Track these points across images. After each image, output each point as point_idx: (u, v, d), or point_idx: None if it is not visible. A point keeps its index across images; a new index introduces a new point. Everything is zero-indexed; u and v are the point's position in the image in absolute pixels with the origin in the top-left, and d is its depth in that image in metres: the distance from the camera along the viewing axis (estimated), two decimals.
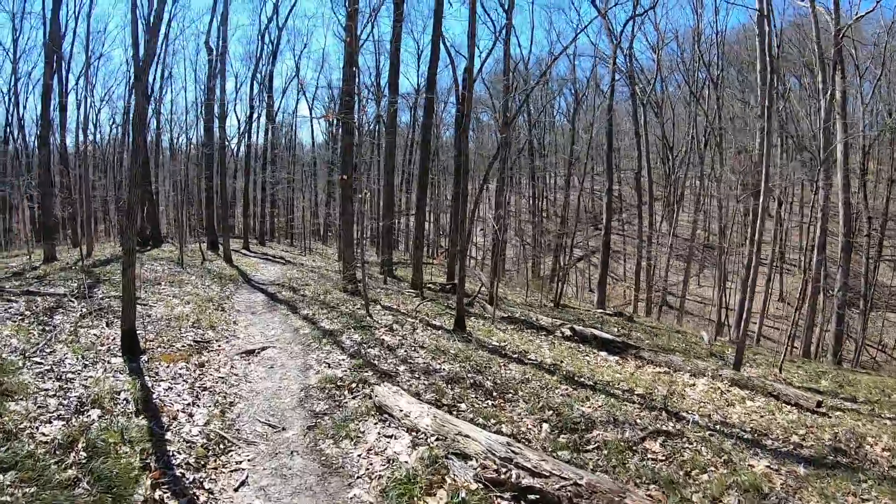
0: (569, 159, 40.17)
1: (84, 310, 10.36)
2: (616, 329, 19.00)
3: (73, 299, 11.14)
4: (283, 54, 45.61)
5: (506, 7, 19.67)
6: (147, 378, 7.13)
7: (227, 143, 45.28)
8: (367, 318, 12.24)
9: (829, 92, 19.57)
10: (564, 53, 37.80)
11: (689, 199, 44.10)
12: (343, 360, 8.93)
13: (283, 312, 12.80)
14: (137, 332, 8.50)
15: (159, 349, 8.46)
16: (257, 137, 41.67)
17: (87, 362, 7.33)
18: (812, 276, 22.03)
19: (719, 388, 11.04)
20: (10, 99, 36.13)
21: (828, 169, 21.51)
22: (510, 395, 8.23)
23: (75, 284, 13.50)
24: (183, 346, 8.82)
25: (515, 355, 11.27)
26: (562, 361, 11.51)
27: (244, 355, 9.16)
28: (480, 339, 12.13)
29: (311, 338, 10.23)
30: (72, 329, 8.80)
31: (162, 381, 7.21)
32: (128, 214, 8.73)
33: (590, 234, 48.03)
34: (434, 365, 9.29)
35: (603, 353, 13.45)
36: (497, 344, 12.05)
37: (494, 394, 8.17)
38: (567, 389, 9.09)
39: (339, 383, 7.68)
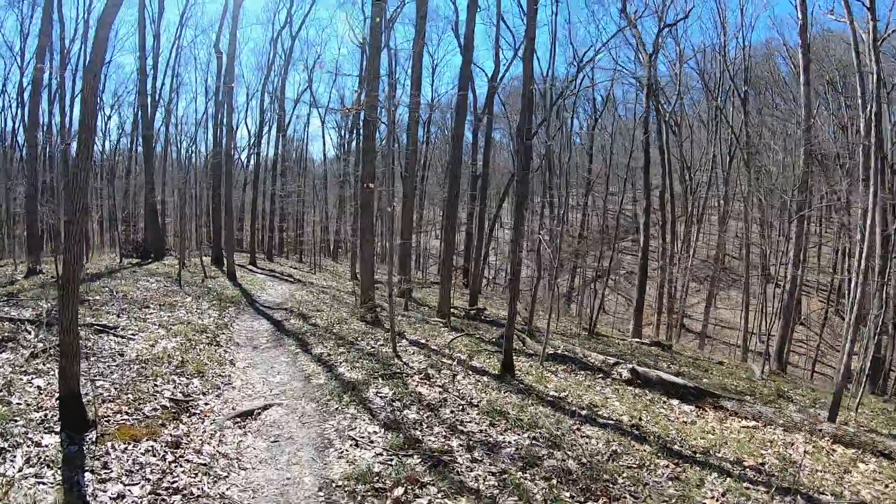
0: (587, 178, 37.82)
1: (40, 345, 7.78)
2: (665, 364, 16.40)
3: (29, 329, 8.55)
4: (296, 66, 43.20)
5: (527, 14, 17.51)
6: (87, 475, 4.52)
7: (235, 151, 42.94)
8: (395, 359, 9.61)
9: (868, 108, 17.08)
10: (582, 71, 35.27)
11: (706, 220, 41.50)
12: (374, 432, 6.29)
13: (291, 349, 10.18)
14: (97, 384, 5.94)
15: (119, 416, 5.82)
16: (267, 150, 39.33)
17: (3, 444, 4.74)
18: (855, 300, 19.20)
19: (822, 447, 8.62)
20: (17, 102, 33.87)
21: (867, 188, 19.06)
22: (609, 484, 5.63)
23: (48, 305, 11.00)
24: (154, 410, 6.18)
25: (584, 411, 8.65)
26: (640, 419, 8.90)
27: (240, 419, 6.52)
28: (534, 388, 9.51)
29: (329, 392, 7.59)
30: (7, 379, 6.21)
31: (110, 479, 4.59)
32: (66, 229, 6.16)
33: (603, 253, 45.23)
34: (495, 435, 6.70)
35: (675, 402, 10.86)
36: (556, 394, 9.44)
37: (590, 485, 5.55)
38: (670, 467, 6.55)
39: (374, 482, 5.03)
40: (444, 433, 6.52)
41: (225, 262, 20.61)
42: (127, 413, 5.91)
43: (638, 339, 21.53)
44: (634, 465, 6.42)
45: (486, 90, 25.18)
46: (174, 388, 6.98)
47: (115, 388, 6.51)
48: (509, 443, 6.54)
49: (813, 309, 37.28)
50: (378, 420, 6.63)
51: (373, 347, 10.49)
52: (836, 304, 36.42)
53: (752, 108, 41.46)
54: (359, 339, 11.12)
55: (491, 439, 6.58)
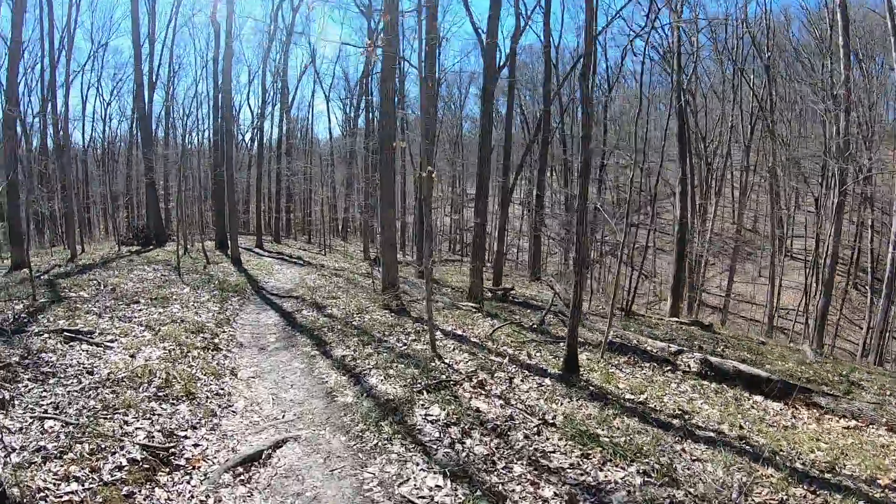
0: (603, 149, 35.58)
1: None
2: (710, 346, 14.44)
3: None
4: (298, 43, 40.68)
5: None
6: None
7: (237, 130, 40.74)
8: (436, 360, 7.59)
9: None
10: (595, 41, 32.51)
11: (722, 193, 39.22)
12: (436, 485, 4.29)
13: (306, 350, 8.15)
14: (43, 430, 3.96)
15: (61, 489, 3.80)
16: (271, 129, 37.06)
17: None
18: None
19: None
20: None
21: None
22: None
23: (20, 306, 9.07)
24: (119, 468, 4.17)
25: (676, 420, 6.70)
26: (740, 427, 6.93)
27: (242, 469, 4.52)
28: (607, 391, 7.54)
29: (361, 416, 5.57)
30: None
31: None
32: None
33: (616, 227, 42.93)
34: (593, 472, 4.79)
35: (758, 398, 8.90)
36: (633, 397, 7.48)
37: None
38: (808, 497, 4.79)
39: None
40: (528, 475, 4.55)
41: (229, 246, 18.55)
42: (76, 480, 3.89)
43: (676, 319, 19.47)
44: (774, 501, 4.58)
45: (502, 58, 23.04)
46: (152, 424, 4.96)
47: (66, 436, 4.48)
48: (615, 483, 4.62)
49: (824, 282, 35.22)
50: (435, 461, 4.62)
51: (404, 344, 8.47)
52: (853, 277, 34.21)
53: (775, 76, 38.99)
54: (386, 333, 9.08)
55: (590, 479, 4.64)
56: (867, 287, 27.11)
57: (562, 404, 6.68)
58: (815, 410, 8.49)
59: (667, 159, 36.26)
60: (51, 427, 4.61)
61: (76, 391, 5.51)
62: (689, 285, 30.27)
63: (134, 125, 33.91)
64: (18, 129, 32.59)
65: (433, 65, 15.57)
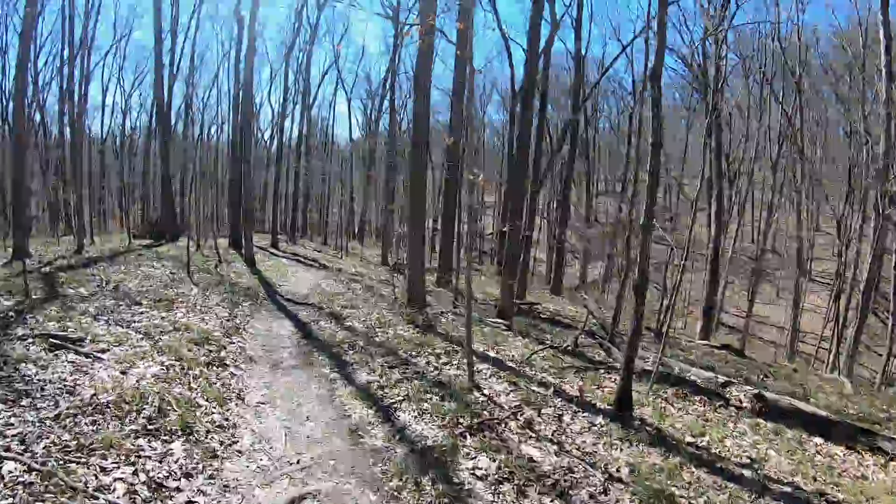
0: (626, 161, 34.39)
1: None
2: (754, 376, 13.32)
3: None
4: (322, 43, 39.91)
5: None
6: None
7: (257, 128, 39.96)
8: (474, 391, 6.53)
9: None
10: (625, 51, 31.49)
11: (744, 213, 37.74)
12: None
13: (325, 372, 7.09)
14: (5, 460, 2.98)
15: None
16: (291, 128, 36.19)
17: None
18: None
19: None
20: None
21: None
22: None
23: (10, 302, 8.12)
24: None
25: (746, 471, 5.80)
26: (814, 479, 6.01)
27: None
28: (664, 433, 6.51)
29: (395, 468, 4.51)
30: None
31: None
32: None
33: (632, 242, 41.54)
34: None
35: (818, 440, 7.86)
36: (694, 440, 6.46)
37: None
38: None
39: None
40: None
41: (243, 245, 17.57)
42: None
43: (705, 342, 18.26)
44: None
45: (525, 66, 21.88)
46: (136, 472, 3.91)
47: (24, 488, 3.45)
48: None
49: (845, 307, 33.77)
50: None
51: (436, 368, 7.41)
52: (872, 302, 32.64)
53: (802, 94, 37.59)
54: (413, 353, 8.02)
55: None
56: (888, 313, 25.76)
57: (622, 451, 5.66)
58: (879, 456, 7.42)
59: (688, 174, 35.05)
60: (10, 472, 3.59)
61: (50, 419, 4.49)
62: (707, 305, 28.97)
63: (153, 118, 33.22)
64: (37, 117, 32.13)
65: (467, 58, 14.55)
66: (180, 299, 9.81)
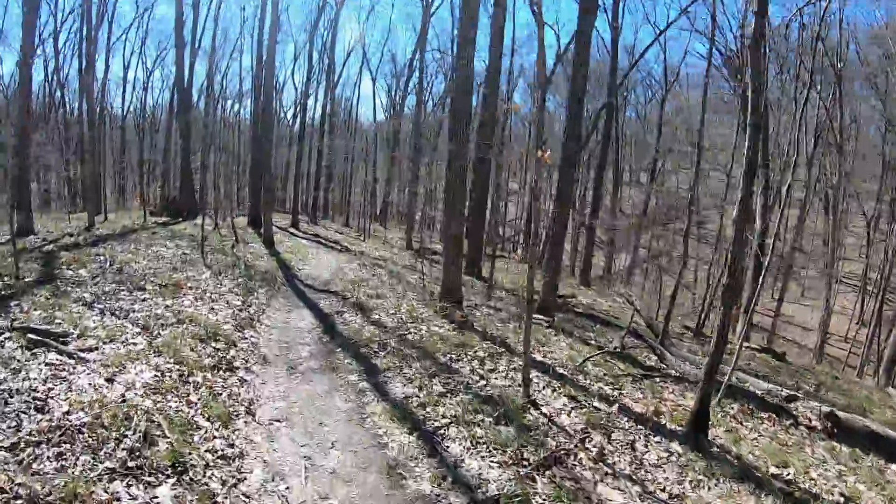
0: (655, 149, 32.87)
1: None
2: (807, 384, 12.13)
3: None
4: (348, 19, 38.76)
5: None
6: None
7: (279, 103, 38.84)
8: (531, 410, 5.36)
9: None
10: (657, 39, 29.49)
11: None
12: None
13: (351, 380, 5.93)
14: None
15: None
16: (315, 108, 35.02)
17: None
18: None
19: None
20: (51, 52, 29.97)
21: None
22: None
23: None
24: None
25: None
26: None
27: None
28: (746, 462, 5.48)
29: None
30: None
31: None
32: None
33: (657, 233, 39.44)
34: None
35: (894, 467, 6.75)
36: (778, 472, 5.50)
37: None
38: None
39: None
40: None
41: (262, 224, 16.50)
42: None
43: (747, 344, 16.90)
44: None
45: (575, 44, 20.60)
46: None
47: None
48: None
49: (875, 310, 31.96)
50: None
51: (481, 377, 6.27)
52: None
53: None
54: (454, 357, 6.86)
55: None
56: None
57: (710, 490, 4.60)
58: None
59: (715, 167, 33.33)
60: None
61: (5, 448, 3.42)
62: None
63: (174, 94, 32.24)
64: (58, 93, 31.31)
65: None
66: (189, 284, 8.74)
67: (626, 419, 5.81)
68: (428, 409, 5.08)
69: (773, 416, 7.80)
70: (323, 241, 20.49)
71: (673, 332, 16.22)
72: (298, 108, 32.10)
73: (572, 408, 5.70)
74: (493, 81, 14.11)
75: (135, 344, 5.68)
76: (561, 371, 7.15)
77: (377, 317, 8.49)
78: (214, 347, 6.07)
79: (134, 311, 6.79)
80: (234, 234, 15.16)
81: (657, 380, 8.23)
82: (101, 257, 9.88)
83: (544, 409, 5.46)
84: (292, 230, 22.74)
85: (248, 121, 27.64)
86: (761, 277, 9.23)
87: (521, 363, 6.92)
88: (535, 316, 10.49)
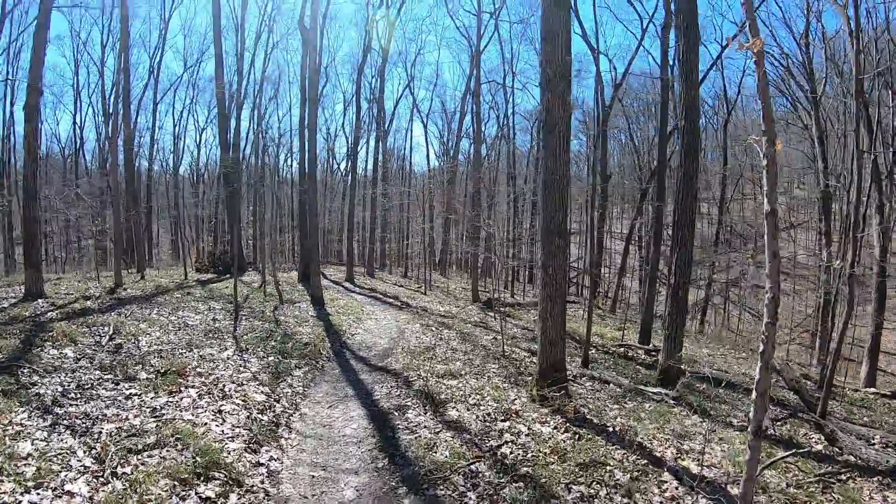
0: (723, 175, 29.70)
1: None
2: None
3: None
4: (395, 65, 37.70)
5: None
6: None
7: (331, 154, 37.62)
8: None
9: None
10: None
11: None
12: None
13: None
14: None
15: None
16: (367, 158, 33.75)
17: None
18: None
19: None
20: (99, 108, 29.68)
21: None
22: None
23: None
24: None
25: None
26: None
27: None
28: None
29: None
30: None
31: None
32: None
33: (731, 260, 34.87)
34: None
35: None
36: None
37: None
38: None
39: None
40: None
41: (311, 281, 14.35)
42: None
43: (874, 390, 13.40)
44: None
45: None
46: None
47: None
48: None
49: None
50: None
51: None
52: None
53: None
54: (583, 489, 4.21)
55: None
56: None
57: None
58: None
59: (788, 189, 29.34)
60: None
61: None
62: (820, 334, 23.18)
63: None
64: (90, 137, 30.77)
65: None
66: (200, 368, 6.46)
67: None
68: None
69: None
70: (380, 296, 18.23)
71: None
72: (349, 157, 30.80)
73: None
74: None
75: (70, 497, 3.34)
76: (732, 491, 4.41)
77: (454, 413, 5.91)
78: (200, 497, 3.65)
79: (101, 422, 4.51)
80: (278, 294, 13.03)
81: (844, 477, 5.40)
82: (104, 328, 7.79)
83: None
84: (347, 284, 20.66)
85: (299, 174, 26.16)
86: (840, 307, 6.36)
87: (672, 482, 4.24)
88: (654, 390, 7.72)
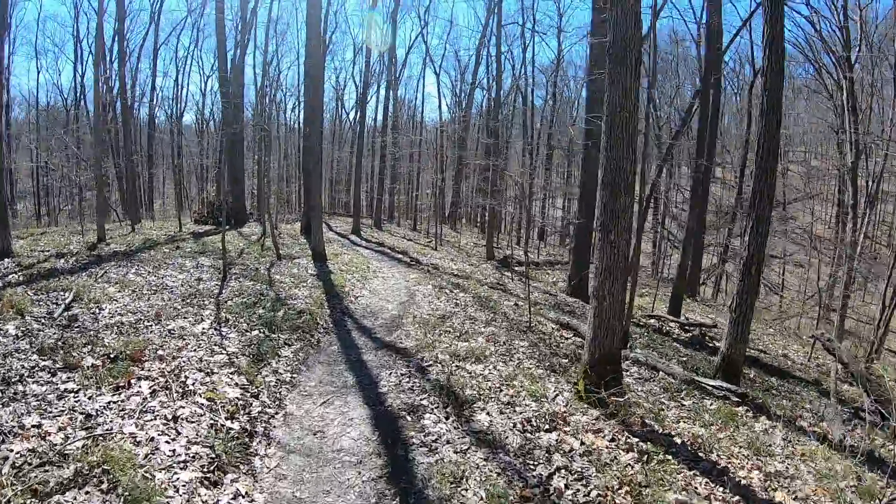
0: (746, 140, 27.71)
1: None
2: None
3: None
4: (409, 12, 35.53)
5: None
6: None
7: (340, 104, 35.74)
8: None
9: None
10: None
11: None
12: None
13: None
14: None
15: None
16: (376, 107, 31.80)
17: None
18: None
19: None
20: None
21: None
22: None
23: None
24: None
25: None
26: None
27: None
28: None
29: None
30: None
31: None
32: None
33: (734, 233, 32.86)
34: None
35: None
36: None
37: None
38: None
39: None
40: None
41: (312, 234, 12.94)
42: None
43: None
44: None
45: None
46: None
47: None
48: None
49: None
50: None
51: None
52: None
53: None
54: None
55: None
56: None
57: None
58: None
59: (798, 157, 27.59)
60: None
61: None
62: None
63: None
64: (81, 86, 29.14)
65: None
66: (165, 348, 5.14)
67: None
68: None
69: None
70: (388, 251, 16.85)
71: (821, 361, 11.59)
72: (359, 106, 28.90)
73: None
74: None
75: None
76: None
77: (484, 419, 4.54)
78: None
79: (10, 440, 3.21)
80: (276, 250, 11.66)
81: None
82: (64, 294, 6.48)
83: None
84: (353, 237, 19.30)
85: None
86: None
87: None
88: (714, 383, 6.38)
